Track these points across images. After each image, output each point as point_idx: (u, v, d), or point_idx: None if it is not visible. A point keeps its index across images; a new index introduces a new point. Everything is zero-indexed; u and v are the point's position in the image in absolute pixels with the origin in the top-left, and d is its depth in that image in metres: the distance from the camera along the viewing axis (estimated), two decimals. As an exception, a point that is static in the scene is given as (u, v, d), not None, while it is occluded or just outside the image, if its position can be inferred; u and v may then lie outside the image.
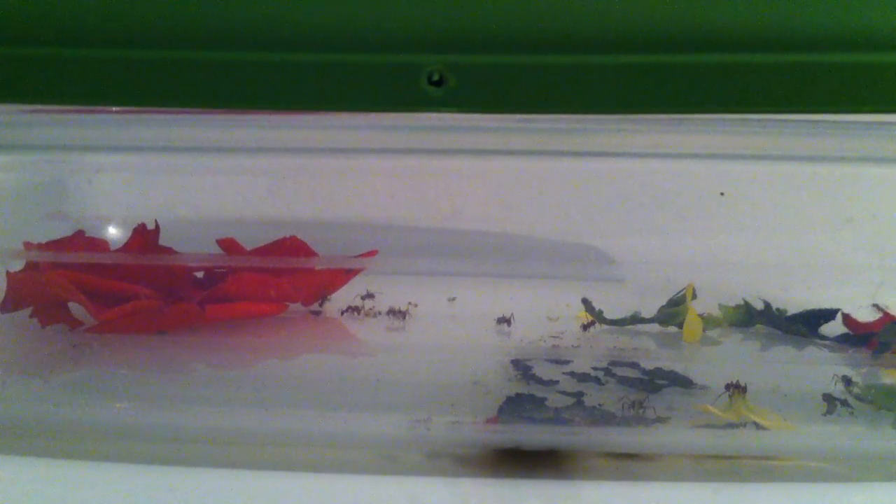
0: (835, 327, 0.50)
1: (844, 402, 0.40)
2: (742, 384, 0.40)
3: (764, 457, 0.37)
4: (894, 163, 0.45)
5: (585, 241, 0.58)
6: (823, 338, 0.50)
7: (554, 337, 0.49)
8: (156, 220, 0.51)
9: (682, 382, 0.43)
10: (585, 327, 0.50)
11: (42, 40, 0.35)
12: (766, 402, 0.40)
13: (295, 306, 0.53)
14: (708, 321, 0.51)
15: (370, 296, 0.53)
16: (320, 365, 0.48)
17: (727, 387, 0.40)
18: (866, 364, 0.46)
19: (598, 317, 0.51)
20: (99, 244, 0.53)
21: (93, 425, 0.39)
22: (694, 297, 0.50)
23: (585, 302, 0.51)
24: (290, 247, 0.52)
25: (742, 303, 0.52)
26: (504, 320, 0.50)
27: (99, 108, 0.40)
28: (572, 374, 0.43)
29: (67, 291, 0.47)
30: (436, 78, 0.34)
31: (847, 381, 0.42)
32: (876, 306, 0.49)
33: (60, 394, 0.42)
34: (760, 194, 0.56)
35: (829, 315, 0.50)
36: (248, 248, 0.52)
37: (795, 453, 0.37)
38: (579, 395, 0.41)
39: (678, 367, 0.44)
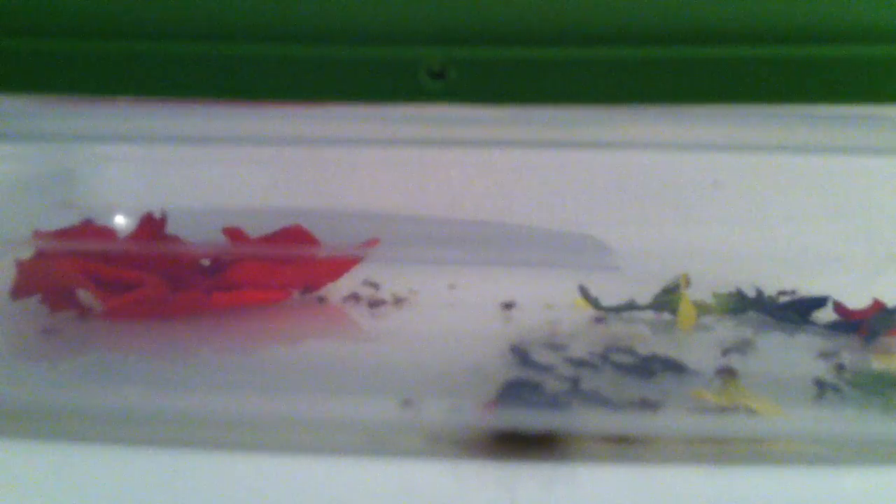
0: (826, 315, 0.51)
1: (835, 387, 0.41)
2: (733, 368, 0.41)
3: (755, 440, 0.37)
4: (888, 154, 0.45)
5: (583, 231, 0.58)
6: (814, 324, 0.50)
7: (551, 323, 0.49)
8: (163, 210, 0.52)
9: (676, 368, 0.43)
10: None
11: (51, 32, 0.35)
12: (758, 387, 0.41)
13: (303, 294, 0.54)
14: (702, 308, 0.51)
15: (372, 284, 0.54)
16: (322, 351, 0.48)
17: (718, 371, 0.41)
18: (857, 350, 0.46)
19: (594, 304, 0.51)
20: (107, 233, 0.53)
21: (100, 409, 0.39)
22: (688, 285, 0.51)
23: (582, 289, 0.52)
24: (294, 235, 0.52)
25: (735, 291, 0.52)
26: (503, 307, 0.51)
27: (108, 98, 0.40)
28: (569, 359, 0.44)
29: (76, 279, 0.47)
30: (436, 70, 0.35)
31: (839, 367, 0.42)
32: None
33: (69, 378, 0.43)
34: (754, 185, 0.56)
35: (819, 302, 0.51)
36: (253, 236, 0.52)
37: (786, 437, 0.38)
38: (576, 379, 0.41)
39: (672, 353, 0.44)
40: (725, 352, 0.45)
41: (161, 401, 0.40)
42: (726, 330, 0.50)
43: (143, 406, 0.39)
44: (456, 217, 0.61)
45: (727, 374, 0.41)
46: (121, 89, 0.37)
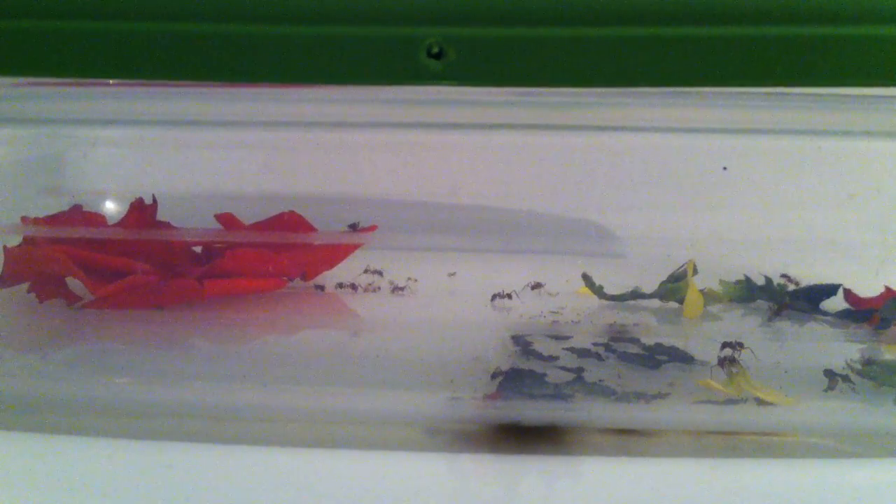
0: (837, 303, 0.50)
1: (846, 378, 0.40)
2: (735, 357, 0.40)
3: (764, 432, 0.37)
4: (900, 137, 0.44)
5: (586, 217, 0.58)
6: (825, 313, 0.50)
7: (554, 312, 0.49)
8: (153, 195, 0.51)
9: (682, 358, 0.43)
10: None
11: (38, 12, 0.35)
12: (767, 377, 0.40)
13: (294, 281, 0.53)
14: (709, 297, 0.50)
15: (372, 271, 0.53)
16: (319, 341, 0.48)
17: (720, 360, 0.40)
18: (868, 340, 0.46)
19: (598, 292, 0.51)
20: (96, 219, 0.53)
21: (90, 401, 0.39)
22: (695, 272, 0.50)
23: (585, 277, 0.51)
24: (289, 222, 0.51)
25: (743, 278, 0.52)
26: (504, 295, 0.50)
27: (95, 81, 0.39)
28: (572, 349, 0.43)
29: (65, 266, 0.47)
30: (435, 51, 0.34)
31: (850, 357, 0.42)
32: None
33: (58, 369, 0.43)
34: (762, 169, 0.56)
35: (830, 290, 0.50)
36: (247, 223, 0.52)
37: (796, 429, 0.37)
38: (579, 370, 0.41)
39: (679, 343, 0.44)
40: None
41: (153, 392, 0.40)
42: (734, 319, 0.49)
43: (134, 398, 0.39)
44: (455, 202, 0.60)
45: (730, 363, 0.40)
46: (110, 71, 0.36)
